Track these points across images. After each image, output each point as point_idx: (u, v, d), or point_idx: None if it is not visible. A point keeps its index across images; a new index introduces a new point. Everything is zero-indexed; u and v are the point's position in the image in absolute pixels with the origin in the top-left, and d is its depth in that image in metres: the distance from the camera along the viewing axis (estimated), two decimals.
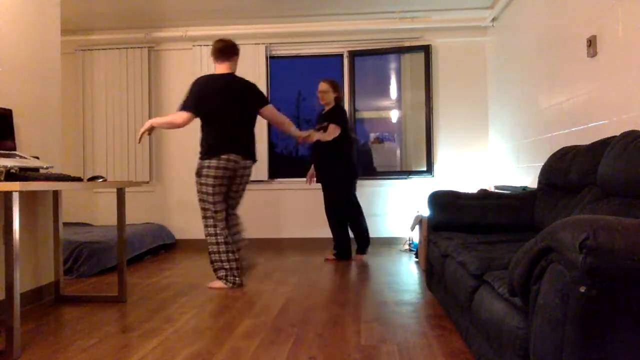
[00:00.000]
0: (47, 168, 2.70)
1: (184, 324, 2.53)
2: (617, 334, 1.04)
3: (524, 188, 3.60)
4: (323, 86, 4.35)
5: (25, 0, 3.02)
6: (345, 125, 4.28)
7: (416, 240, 4.66)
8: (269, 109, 3.52)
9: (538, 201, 2.77)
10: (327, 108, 4.36)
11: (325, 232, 5.27)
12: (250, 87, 3.49)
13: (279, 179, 5.39)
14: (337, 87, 4.38)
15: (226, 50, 3.49)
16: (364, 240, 4.40)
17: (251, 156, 3.43)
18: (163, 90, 5.48)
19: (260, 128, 5.31)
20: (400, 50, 5.31)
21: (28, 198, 3.00)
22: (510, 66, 4.44)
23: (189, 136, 5.38)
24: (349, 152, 4.32)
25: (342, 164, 4.28)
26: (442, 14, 5.07)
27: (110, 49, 5.41)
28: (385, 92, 5.47)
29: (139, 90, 5.39)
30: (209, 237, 3.34)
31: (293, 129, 3.63)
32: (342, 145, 4.26)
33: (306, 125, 9.23)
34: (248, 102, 3.43)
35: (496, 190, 4.10)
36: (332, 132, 4.16)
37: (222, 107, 3.33)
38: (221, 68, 3.48)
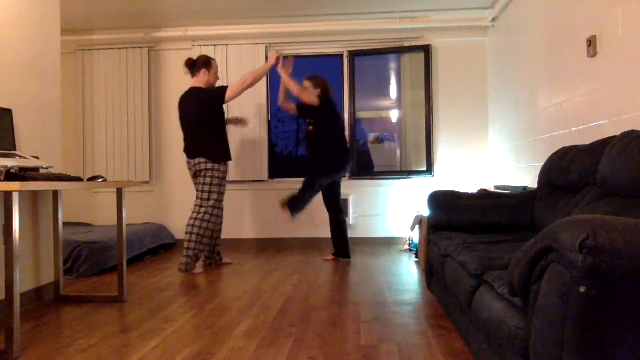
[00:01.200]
0: (47, 168, 2.70)
1: (184, 324, 2.53)
2: (617, 334, 1.04)
3: (524, 188, 3.60)
4: (305, 84, 4.31)
5: (25, 0, 3.02)
6: (336, 118, 4.30)
7: (416, 240, 4.66)
8: (231, 92, 3.91)
9: (538, 201, 2.77)
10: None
11: (325, 232, 5.27)
12: (201, 94, 3.93)
13: (278, 179, 5.39)
14: (320, 83, 4.30)
15: (190, 66, 4.05)
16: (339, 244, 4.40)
17: (199, 154, 3.88)
18: (163, 90, 5.48)
19: (260, 129, 5.32)
20: (400, 50, 5.31)
21: (28, 198, 3.00)
22: (510, 66, 4.44)
23: None
24: (341, 146, 4.30)
25: (334, 157, 4.24)
26: (442, 14, 5.07)
27: (110, 49, 5.42)
28: (385, 92, 5.47)
29: (139, 90, 5.39)
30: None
31: (260, 73, 3.99)
32: (335, 139, 4.28)
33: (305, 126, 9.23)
34: (198, 108, 3.90)
35: (496, 190, 4.10)
36: (310, 96, 4.22)
37: (181, 117, 4.01)
38: (192, 82, 4.05)
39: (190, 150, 3.93)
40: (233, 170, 5.31)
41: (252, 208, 5.39)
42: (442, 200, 2.95)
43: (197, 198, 3.91)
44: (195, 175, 3.92)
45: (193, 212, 3.89)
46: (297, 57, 5.48)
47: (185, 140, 3.98)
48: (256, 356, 2.06)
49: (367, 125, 5.49)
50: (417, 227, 4.44)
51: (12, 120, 2.75)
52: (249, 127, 5.31)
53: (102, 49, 5.42)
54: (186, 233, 3.84)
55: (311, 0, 4.75)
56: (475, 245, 2.24)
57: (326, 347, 2.15)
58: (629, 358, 1.04)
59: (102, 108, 5.42)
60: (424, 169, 5.27)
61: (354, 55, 5.33)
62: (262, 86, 5.28)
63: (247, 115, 5.31)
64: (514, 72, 4.32)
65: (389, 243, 5.26)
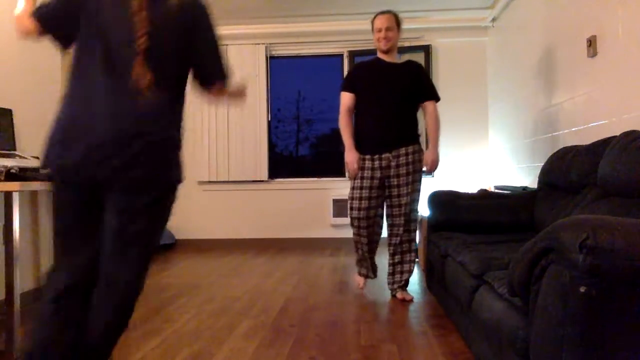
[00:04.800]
0: None
1: (184, 324, 2.53)
2: (617, 334, 1.04)
3: (524, 188, 3.60)
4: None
5: None
6: None
7: (416, 240, 4.66)
8: None
9: (538, 201, 2.77)
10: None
11: (325, 232, 5.27)
12: (419, 67, 3.11)
13: (279, 179, 5.39)
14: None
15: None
16: None
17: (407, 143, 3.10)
18: None
19: (260, 129, 5.31)
20: (400, 50, 5.30)
21: (28, 198, 3.00)
22: (510, 66, 4.44)
23: (188, 136, 5.37)
24: None
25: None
26: (442, 14, 5.07)
27: None
28: None
29: None
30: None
31: None
32: None
33: (305, 126, 9.18)
34: (410, 85, 3.07)
35: (496, 190, 4.09)
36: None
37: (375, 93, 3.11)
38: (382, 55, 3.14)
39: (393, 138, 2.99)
40: (233, 170, 5.30)
41: (252, 208, 5.39)
42: (442, 200, 2.95)
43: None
44: (398, 174, 2.97)
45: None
46: (297, 57, 5.49)
47: (386, 125, 2.98)
48: (256, 356, 2.06)
49: None
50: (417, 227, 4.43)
51: (12, 120, 2.75)
52: (249, 127, 5.31)
53: None
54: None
55: (311, 0, 4.75)
56: (475, 245, 2.24)
57: (326, 347, 2.15)
58: (629, 358, 1.04)
59: None
60: (424, 169, 5.26)
61: (354, 55, 5.33)
62: (262, 86, 5.29)
63: (247, 115, 5.31)
64: (514, 72, 4.32)
65: None
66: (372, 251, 3.11)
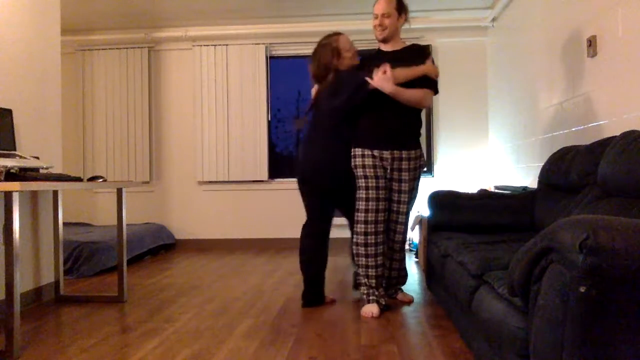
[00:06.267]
0: (47, 168, 2.69)
1: (184, 324, 2.53)
2: (617, 334, 1.04)
3: (524, 188, 3.60)
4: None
5: (25, 0, 3.02)
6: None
7: (416, 240, 4.66)
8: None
9: (538, 201, 2.77)
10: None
11: None
12: (421, 51, 2.86)
13: (279, 179, 5.39)
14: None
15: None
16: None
17: (418, 144, 2.91)
18: (163, 90, 5.48)
19: (260, 129, 5.31)
20: None
21: (28, 198, 3.00)
22: (510, 66, 4.44)
23: (188, 136, 5.38)
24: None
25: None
26: (442, 14, 5.07)
27: (110, 49, 5.41)
28: None
29: (139, 90, 5.39)
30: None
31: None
32: None
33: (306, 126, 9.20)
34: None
35: (496, 190, 4.09)
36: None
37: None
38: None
39: (403, 137, 2.79)
40: (233, 170, 5.30)
41: (252, 208, 5.39)
42: (442, 200, 2.95)
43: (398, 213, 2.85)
44: (401, 180, 2.80)
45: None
46: (297, 57, 5.49)
47: (388, 122, 2.73)
48: (256, 356, 2.06)
49: None
50: (417, 227, 4.44)
51: (12, 120, 2.75)
52: (249, 127, 5.31)
53: (102, 49, 5.42)
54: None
55: (311, 0, 4.75)
56: (475, 245, 2.24)
57: (326, 347, 2.15)
58: (629, 358, 1.04)
59: (102, 108, 5.41)
60: (424, 169, 5.26)
61: None
62: (262, 85, 5.28)
63: (247, 115, 5.31)
64: (514, 72, 4.32)
65: None
66: (383, 274, 2.80)
